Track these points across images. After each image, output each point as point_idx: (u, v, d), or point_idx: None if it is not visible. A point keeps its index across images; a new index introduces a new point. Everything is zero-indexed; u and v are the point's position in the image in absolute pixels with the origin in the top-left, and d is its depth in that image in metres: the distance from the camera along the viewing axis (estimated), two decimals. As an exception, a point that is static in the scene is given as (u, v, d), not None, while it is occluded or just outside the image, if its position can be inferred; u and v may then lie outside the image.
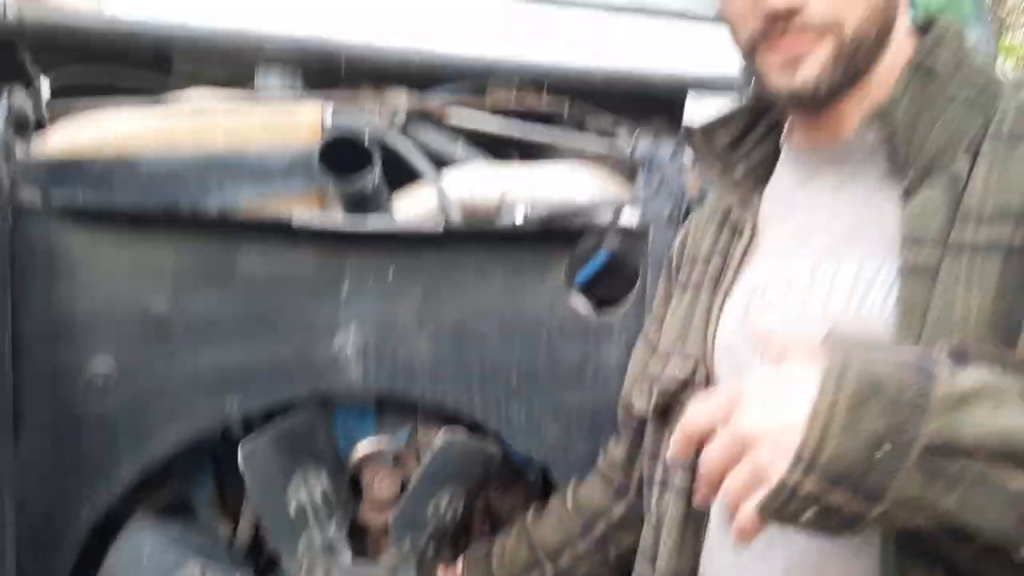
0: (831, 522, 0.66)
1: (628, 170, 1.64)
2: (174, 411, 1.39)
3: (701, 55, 1.74)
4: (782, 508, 0.66)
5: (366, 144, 1.36)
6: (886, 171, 0.91)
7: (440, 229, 1.40)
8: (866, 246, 0.90)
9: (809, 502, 0.65)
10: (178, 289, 1.38)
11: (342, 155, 1.41)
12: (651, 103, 1.89)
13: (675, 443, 0.76)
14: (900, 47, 0.93)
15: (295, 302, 1.40)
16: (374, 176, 1.38)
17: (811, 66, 0.88)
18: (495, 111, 1.77)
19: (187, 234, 1.38)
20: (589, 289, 1.78)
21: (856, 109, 0.93)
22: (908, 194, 0.87)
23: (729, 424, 0.71)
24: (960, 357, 0.73)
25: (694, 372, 1.05)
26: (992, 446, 0.64)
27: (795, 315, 0.93)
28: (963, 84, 0.90)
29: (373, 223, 1.40)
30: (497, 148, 1.86)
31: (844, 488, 0.64)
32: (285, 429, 1.40)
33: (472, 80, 1.76)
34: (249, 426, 1.43)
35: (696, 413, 0.75)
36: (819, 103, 0.92)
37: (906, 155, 0.88)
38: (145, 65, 1.64)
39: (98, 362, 1.36)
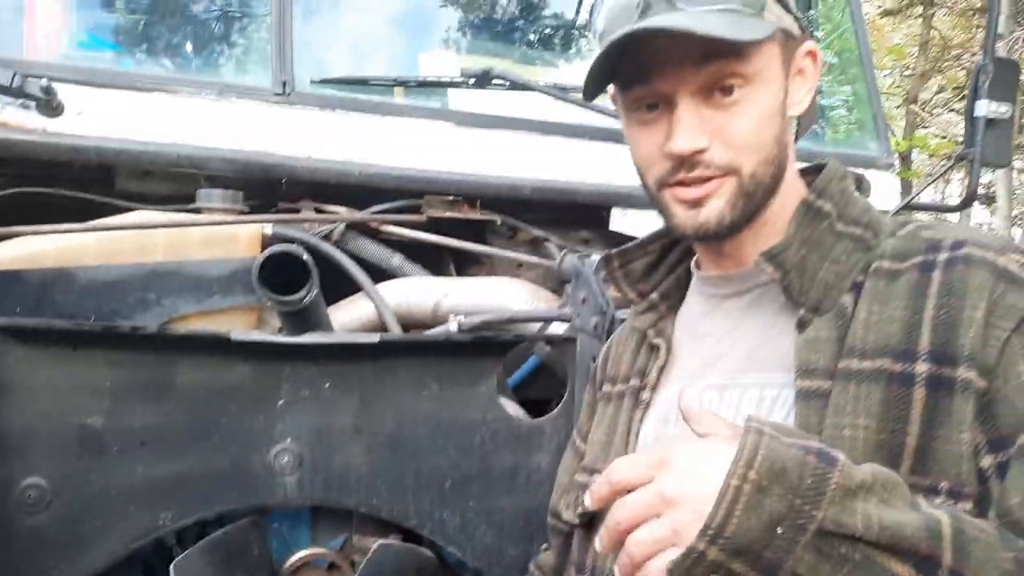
0: None
1: (557, 282, 1.72)
2: (108, 525, 1.39)
3: (626, 173, 1.85)
4: (689, 571, 0.73)
5: (304, 260, 1.42)
6: (783, 303, 1.00)
7: (375, 340, 1.46)
8: (767, 372, 0.98)
9: (713, 568, 0.73)
10: (114, 404, 1.40)
11: (281, 269, 1.46)
12: (578, 216, 2.00)
13: (597, 490, 0.83)
14: (792, 188, 1.03)
15: (231, 415, 1.43)
16: (311, 291, 1.44)
17: (714, 205, 0.97)
18: (431, 224, 1.86)
19: (125, 350, 1.41)
20: (520, 391, 1.85)
21: (754, 243, 1.02)
22: (801, 326, 0.96)
23: (654, 483, 0.78)
24: None
25: None
26: (878, 535, 0.72)
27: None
28: (848, 224, 1.00)
29: (309, 337, 1.45)
30: (433, 259, 1.94)
31: (744, 560, 0.72)
32: (218, 541, 1.41)
33: (409, 194, 1.85)
34: (183, 538, 1.44)
35: (624, 467, 0.81)
36: (721, 237, 1.01)
37: (798, 291, 0.97)
38: (89, 182, 1.68)
39: (32, 478, 1.36)
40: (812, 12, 2.54)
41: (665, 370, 1.12)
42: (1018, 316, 0.85)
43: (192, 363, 1.42)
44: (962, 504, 0.82)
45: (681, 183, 0.97)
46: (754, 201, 0.98)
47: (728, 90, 0.93)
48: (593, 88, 1.01)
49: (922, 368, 0.86)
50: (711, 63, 0.92)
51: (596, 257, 1.61)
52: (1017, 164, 12.78)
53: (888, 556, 0.73)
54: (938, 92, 13.72)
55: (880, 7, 13.96)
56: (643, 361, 1.16)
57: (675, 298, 1.16)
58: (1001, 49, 9.91)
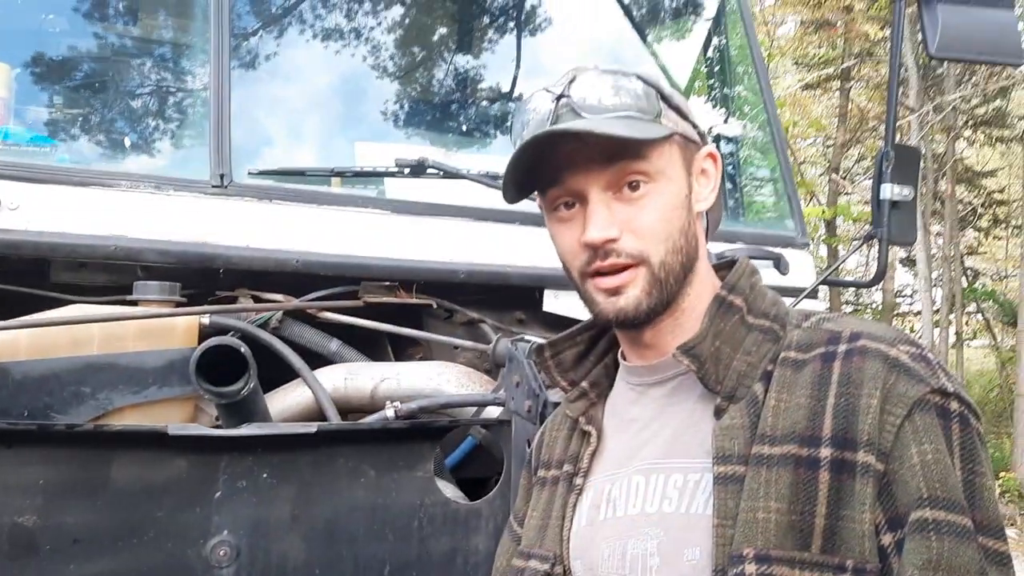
0: None
1: (492, 364, 1.77)
2: (40, 626, 1.37)
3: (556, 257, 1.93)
4: None
5: (243, 352, 1.44)
6: (702, 391, 1.07)
7: (312, 431, 1.48)
8: (690, 457, 1.04)
9: None
10: (48, 501, 1.39)
11: (219, 361, 1.48)
12: (513, 297, 2.06)
13: None
14: (705, 282, 1.11)
15: (167, 509, 1.43)
16: (248, 383, 1.46)
17: (631, 293, 1.05)
18: (369, 309, 1.90)
19: (59, 447, 1.41)
20: (458, 471, 1.88)
21: (673, 334, 1.09)
22: (718, 413, 1.03)
23: None
24: (763, 559, 0.90)
25: (552, 568, 1.16)
26: None
27: (635, 515, 1.06)
28: (758, 317, 1.08)
29: (246, 429, 1.46)
30: (372, 344, 1.98)
31: None
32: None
33: (346, 280, 1.89)
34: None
35: None
36: (640, 324, 1.08)
37: (714, 381, 1.04)
38: (24, 275, 1.68)
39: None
40: (728, 95, 2.70)
41: (596, 455, 1.17)
42: (909, 403, 0.93)
43: (128, 458, 1.42)
44: None
45: (599, 272, 1.05)
46: (667, 289, 1.05)
47: (634, 186, 1.03)
48: (513, 191, 1.10)
49: (826, 453, 0.94)
50: (615, 163, 1.01)
51: (529, 341, 1.67)
52: (934, 229, 13.42)
53: None
54: (858, 160, 14.37)
55: (801, 80, 14.66)
56: (575, 447, 1.21)
57: (604, 386, 1.22)
58: (913, 122, 10.49)
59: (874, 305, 16.62)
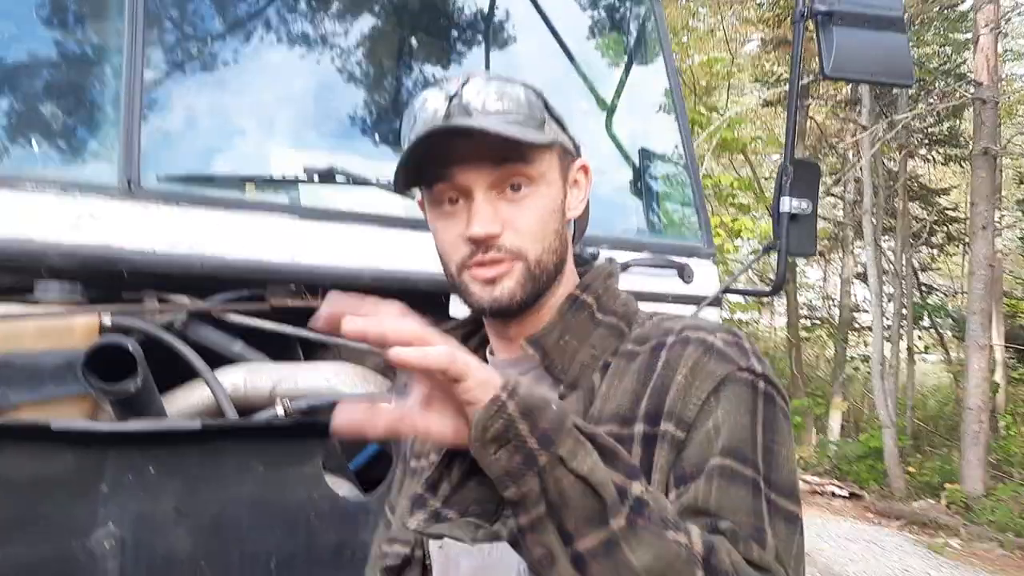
0: None
1: (387, 367, 1.83)
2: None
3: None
4: (492, 419, 0.85)
5: (130, 350, 1.49)
6: (552, 382, 1.14)
7: (197, 426, 1.52)
8: None
9: (508, 423, 0.85)
10: (-69, 494, 1.42)
11: (113, 359, 1.53)
12: (421, 302, 2.11)
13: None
14: (568, 282, 1.19)
15: (53, 502, 1.47)
16: (137, 380, 1.50)
17: (506, 284, 1.11)
18: (279, 313, 1.94)
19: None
20: (365, 472, 1.92)
21: (534, 328, 1.16)
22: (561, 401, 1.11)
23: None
24: None
25: (412, 552, 1.22)
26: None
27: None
28: (607, 314, 1.16)
29: (130, 424, 1.51)
30: (282, 347, 2.02)
31: (528, 422, 0.86)
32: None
33: (253, 284, 1.94)
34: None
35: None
36: (511, 314, 1.15)
37: (559, 371, 1.12)
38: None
39: None
40: (645, 112, 2.79)
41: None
42: (716, 379, 1.02)
43: (13, 452, 1.46)
44: None
45: (479, 264, 1.11)
46: (540, 284, 1.13)
47: (517, 187, 1.10)
48: (402, 181, 1.15)
49: (638, 429, 1.03)
50: (502, 164, 1.09)
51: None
52: (884, 244, 13.69)
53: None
54: (816, 177, 14.60)
55: (761, 99, 14.93)
56: None
57: None
58: (865, 140, 10.74)
59: (834, 319, 16.90)
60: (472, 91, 1.11)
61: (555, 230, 1.13)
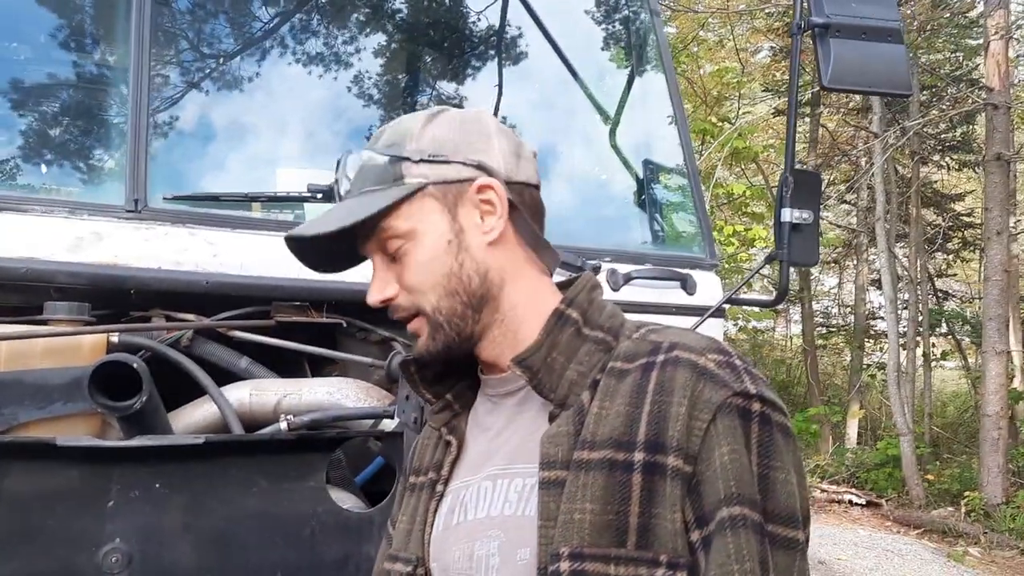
0: None
1: (388, 381, 1.85)
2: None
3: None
4: None
5: (135, 368, 1.52)
6: (543, 400, 1.15)
7: (200, 441, 1.55)
8: (530, 463, 1.12)
9: None
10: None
11: (119, 377, 1.56)
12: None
13: None
14: (537, 298, 1.19)
15: (60, 518, 1.50)
16: (142, 397, 1.53)
17: (421, 341, 1.17)
18: (284, 329, 1.97)
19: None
20: (370, 486, 1.95)
21: (511, 349, 1.17)
22: (552, 419, 1.11)
23: None
24: (576, 556, 0.99)
25: (414, 570, 1.23)
26: None
27: (482, 518, 1.14)
28: (593, 329, 1.16)
29: (135, 440, 1.54)
30: (289, 364, 2.05)
31: None
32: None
33: (258, 301, 1.97)
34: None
35: None
36: (434, 364, 1.21)
37: (548, 389, 1.12)
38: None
39: None
40: (648, 127, 2.81)
41: (457, 463, 1.26)
42: (713, 408, 1.02)
43: (20, 469, 1.49)
44: (680, 573, 0.98)
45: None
46: (452, 327, 1.15)
47: (393, 249, 1.15)
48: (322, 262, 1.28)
49: (639, 456, 1.02)
50: (370, 237, 1.16)
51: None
52: (899, 250, 13.62)
53: None
54: (829, 185, 14.58)
55: (773, 108, 14.90)
56: (439, 455, 1.29)
57: (469, 397, 1.30)
58: (877, 147, 10.70)
59: (850, 326, 16.80)
60: (342, 173, 1.21)
61: (446, 272, 1.14)
